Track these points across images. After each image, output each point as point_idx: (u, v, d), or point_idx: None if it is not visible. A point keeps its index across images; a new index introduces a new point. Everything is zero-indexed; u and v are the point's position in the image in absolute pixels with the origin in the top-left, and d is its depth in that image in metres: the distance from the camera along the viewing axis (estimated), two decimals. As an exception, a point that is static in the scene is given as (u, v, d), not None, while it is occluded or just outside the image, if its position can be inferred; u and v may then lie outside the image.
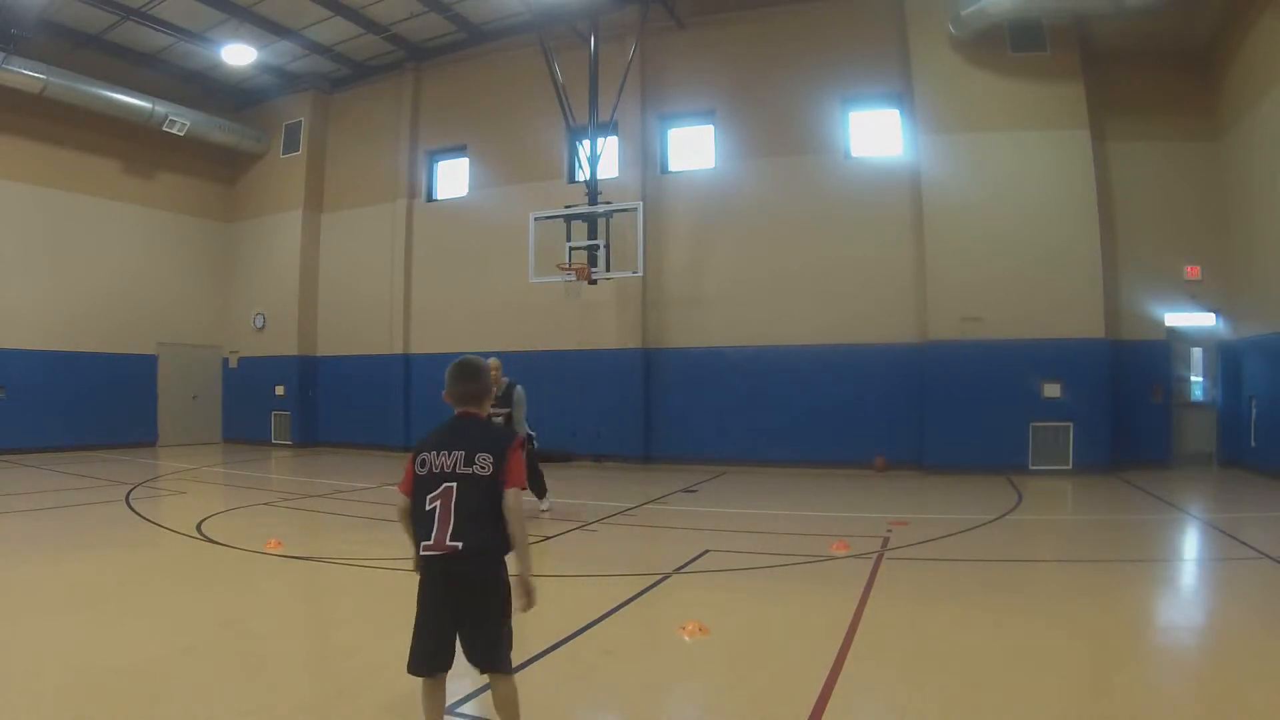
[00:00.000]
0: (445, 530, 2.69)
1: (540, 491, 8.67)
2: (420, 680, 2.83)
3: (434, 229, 17.13)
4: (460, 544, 2.67)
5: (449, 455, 2.75)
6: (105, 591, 5.39)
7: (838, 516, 9.15)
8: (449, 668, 2.81)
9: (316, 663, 4.16)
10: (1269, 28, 10.99)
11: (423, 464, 2.79)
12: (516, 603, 2.78)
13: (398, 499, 2.87)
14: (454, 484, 2.72)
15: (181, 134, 16.76)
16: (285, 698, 3.47)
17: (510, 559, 2.80)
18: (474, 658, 2.79)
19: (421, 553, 2.74)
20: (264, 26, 15.26)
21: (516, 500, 2.75)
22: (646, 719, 3.55)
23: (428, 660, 2.78)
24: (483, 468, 2.72)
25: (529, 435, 8.50)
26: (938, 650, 4.23)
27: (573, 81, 14.08)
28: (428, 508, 2.74)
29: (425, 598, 2.79)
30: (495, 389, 7.17)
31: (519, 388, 8.28)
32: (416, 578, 2.90)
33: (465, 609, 2.73)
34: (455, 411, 2.92)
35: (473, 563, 2.70)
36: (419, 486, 2.79)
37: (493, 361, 7.10)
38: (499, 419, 7.76)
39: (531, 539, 3.30)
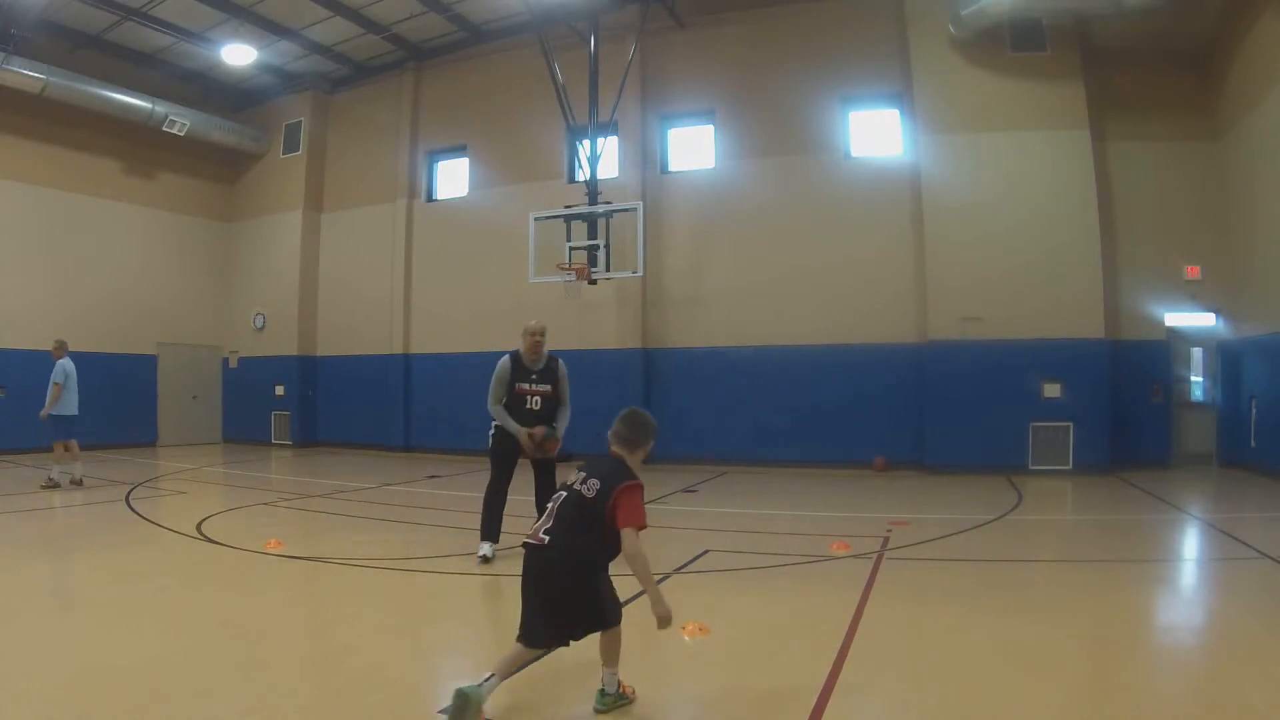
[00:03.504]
0: (544, 525, 3.20)
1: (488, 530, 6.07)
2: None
3: (434, 229, 17.12)
4: (548, 539, 3.14)
5: (579, 474, 3.33)
6: (105, 591, 5.39)
7: (838, 516, 9.15)
8: (534, 647, 3.21)
9: (316, 663, 4.15)
10: (1269, 28, 10.99)
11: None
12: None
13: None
14: (565, 493, 3.28)
15: (182, 134, 16.75)
16: (285, 698, 3.47)
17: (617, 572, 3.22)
18: (559, 634, 3.21)
19: (522, 543, 3.28)
20: (264, 26, 15.26)
21: (630, 542, 3.11)
22: (647, 719, 3.55)
23: (521, 626, 3.20)
24: (589, 490, 3.21)
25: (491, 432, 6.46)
26: (938, 650, 4.23)
27: (573, 81, 14.08)
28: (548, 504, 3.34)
29: (522, 577, 3.26)
30: (538, 359, 6.36)
31: (562, 361, 6.55)
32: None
33: (545, 593, 3.16)
34: None
35: (554, 557, 3.12)
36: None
37: (535, 325, 6.33)
38: (537, 398, 6.29)
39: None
